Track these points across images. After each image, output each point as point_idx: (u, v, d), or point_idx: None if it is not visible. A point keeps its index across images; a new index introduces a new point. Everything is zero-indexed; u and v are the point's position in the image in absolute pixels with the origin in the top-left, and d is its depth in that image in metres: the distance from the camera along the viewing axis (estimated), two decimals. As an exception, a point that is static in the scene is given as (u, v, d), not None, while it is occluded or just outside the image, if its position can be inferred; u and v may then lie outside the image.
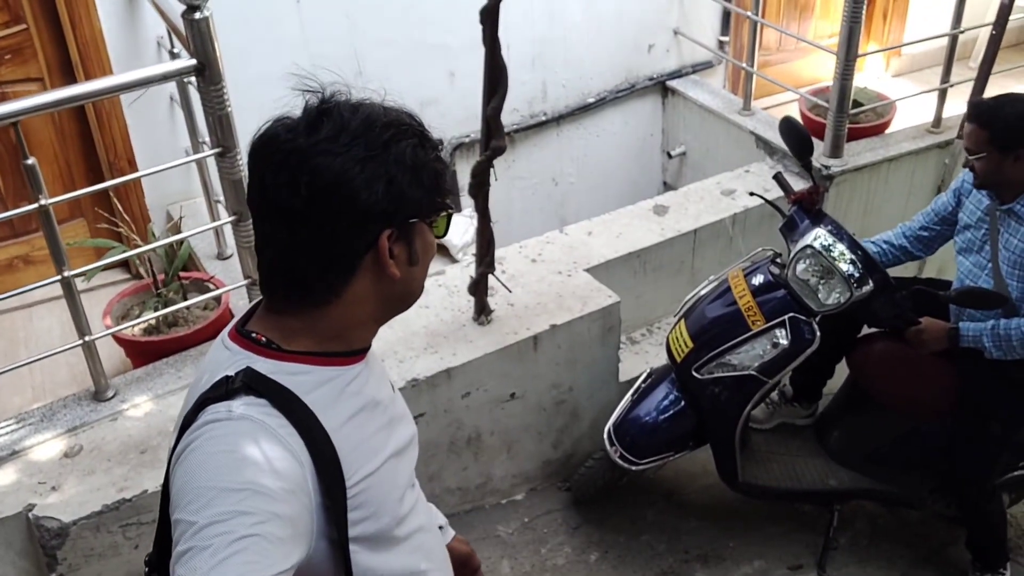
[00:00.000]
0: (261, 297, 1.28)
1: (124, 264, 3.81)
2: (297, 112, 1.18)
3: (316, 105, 1.17)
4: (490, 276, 3.06)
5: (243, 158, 2.74)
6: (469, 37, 4.07)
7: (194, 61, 2.54)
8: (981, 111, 2.70)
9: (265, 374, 1.17)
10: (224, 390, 1.15)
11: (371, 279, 1.20)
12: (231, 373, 1.17)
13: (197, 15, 2.48)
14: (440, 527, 1.59)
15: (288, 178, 1.14)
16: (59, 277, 2.60)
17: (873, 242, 3.13)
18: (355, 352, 1.27)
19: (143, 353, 3.09)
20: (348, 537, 1.19)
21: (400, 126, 1.18)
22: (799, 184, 3.22)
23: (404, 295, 1.26)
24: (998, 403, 2.87)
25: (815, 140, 3.12)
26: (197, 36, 2.50)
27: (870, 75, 5.52)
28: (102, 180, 3.64)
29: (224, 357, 1.22)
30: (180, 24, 2.62)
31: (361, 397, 1.26)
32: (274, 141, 1.16)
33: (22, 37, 3.38)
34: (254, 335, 1.23)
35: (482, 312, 3.11)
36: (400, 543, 1.31)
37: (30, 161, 2.42)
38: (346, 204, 1.13)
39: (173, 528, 1.07)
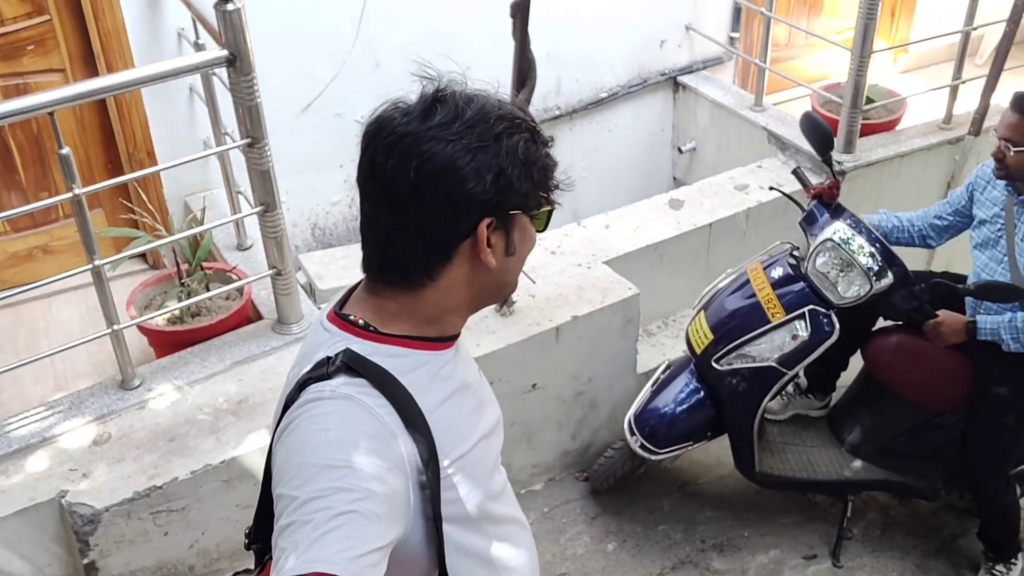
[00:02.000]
0: (358, 281, 1.30)
1: (142, 254, 3.83)
2: (413, 97, 1.19)
3: (432, 92, 1.18)
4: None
5: (270, 149, 2.77)
6: (483, 29, 4.14)
7: (226, 52, 2.56)
8: None
9: (364, 355, 1.20)
10: (325, 370, 1.18)
11: (467, 266, 1.22)
12: (331, 354, 1.20)
13: (229, 6, 2.50)
14: None
15: (398, 160, 1.15)
16: (90, 266, 2.62)
17: (897, 216, 3.16)
18: (448, 338, 1.29)
19: (167, 343, 3.11)
20: (442, 516, 1.21)
21: (514, 120, 1.19)
22: (815, 179, 3.27)
23: (498, 285, 1.27)
24: (1014, 395, 2.90)
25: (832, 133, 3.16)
26: (229, 28, 2.52)
27: (878, 71, 5.55)
28: (121, 171, 3.66)
29: (324, 339, 1.25)
30: (208, 15, 2.65)
31: (453, 381, 1.28)
32: (389, 124, 1.17)
33: (45, 28, 3.39)
34: (352, 317, 1.25)
35: (504, 303, 3.14)
36: (493, 528, 1.34)
37: (65, 151, 2.44)
38: (452, 191, 1.15)
39: (276, 503, 1.10)
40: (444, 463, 1.22)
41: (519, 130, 1.19)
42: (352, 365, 1.18)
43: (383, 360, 1.20)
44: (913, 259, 3.80)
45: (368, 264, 1.26)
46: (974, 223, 2.98)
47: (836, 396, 3.47)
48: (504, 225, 1.21)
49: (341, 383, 1.17)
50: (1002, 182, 2.85)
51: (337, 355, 1.19)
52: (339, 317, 1.27)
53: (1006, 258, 2.84)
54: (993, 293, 2.76)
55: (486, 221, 1.18)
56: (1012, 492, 3.12)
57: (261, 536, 1.32)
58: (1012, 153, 2.70)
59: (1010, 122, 2.72)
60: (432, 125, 1.15)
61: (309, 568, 0.99)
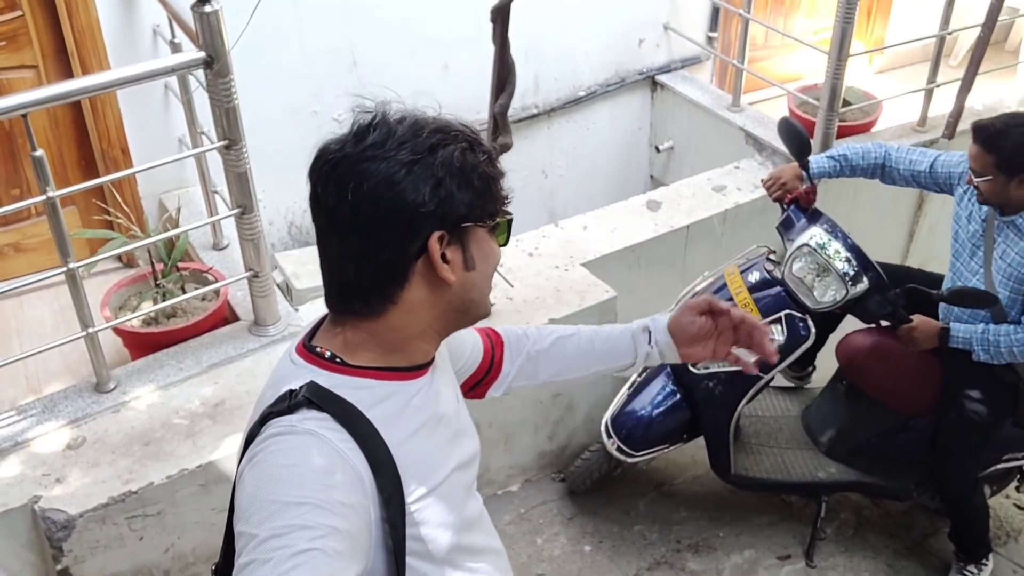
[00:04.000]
0: (325, 313, 1.30)
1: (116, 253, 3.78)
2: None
3: (365, 120, 1.19)
4: (490, 270, 3.09)
5: (248, 150, 2.75)
6: (463, 31, 4.13)
7: (203, 54, 2.54)
8: (988, 135, 2.70)
9: (328, 388, 1.19)
10: (287, 404, 1.17)
11: (426, 285, 1.21)
12: (295, 387, 1.19)
13: (207, 8, 2.47)
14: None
15: (336, 187, 1.16)
16: (64, 269, 2.59)
17: (876, 153, 3.15)
18: (418, 367, 1.28)
19: (142, 345, 3.08)
20: (406, 552, 1.20)
21: (448, 131, 1.19)
22: None
23: (464, 303, 1.26)
24: (982, 399, 2.94)
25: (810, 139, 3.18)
26: (207, 29, 2.50)
27: (853, 72, 5.58)
28: (95, 168, 3.62)
29: (289, 371, 1.24)
30: (184, 15, 2.62)
31: (424, 412, 1.27)
32: (325, 153, 1.19)
33: (18, 24, 3.34)
34: (319, 349, 1.24)
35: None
36: (466, 561, 1.33)
37: (39, 153, 2.41)
38: (392, 207, 1.15)
39: (236, 539, 1.09)
40: (411, 498, 1.20)
41: (454, 140, 1.19)
42: (314, 399, 1.17)
43: (349, 393, 1.19)
44: (889, 256, 3.84)
45: (329, 296, 1.26)
46: (954, 228, 2.99)
47: (810, 398, 3.50)
48: (458, 239, 1.20)
49: (303, 418, 1.15)
50: None
51: (301, 388, 1.18)
52: (306, 349, 1.26)
53: (981, 270, 2.86)
54: (967, 299, 2.79)
55: (436, 235, 1.17)
56: (980, 494, 3.16)
57: (227, 572, 1.31)
58: (978, 181, 2.73)
59: (972, 153, 2.74)
60: (366, 146, 1.16)
61: None
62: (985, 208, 2.85)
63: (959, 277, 2.94)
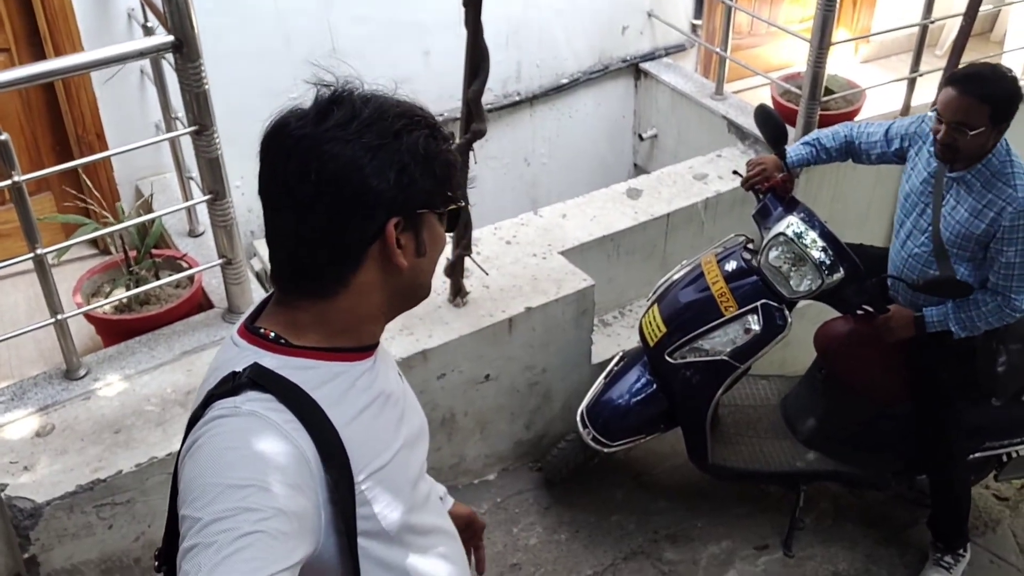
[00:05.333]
0: (271, 292, 1.28)
1: (91, 239, 3.75)
2: (308, 103, 1.18)
3: (327, 95, 1.17)
4: (466, 258, 3.07)
5: (219, 136, 2.72)
6: (444, 16, 4.10)
7: (171, 38, 2.50)
8: (981, 85, 2.61)
9: (272, 369, 1.17)
10: (230, 386, 1.15)
11: (378, 269, 1.20)
12: (238, 369, 1.17)
13: (176, -9, 2.44)
14: (440, 497, 1.60)
15: (298, 166, 1.14)
16: (31, 255, 2.56)
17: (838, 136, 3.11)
18: (364, 348, 1.27)
19: (114, 331, 3.06)
20: (356, 531, 1.19)
21: (412, 117, 1.18)
22: None
23: (412, 288, 1.26)
24: (953, 377, 2.94)
25: (788, 128, 3.15)
26: (175, 13, 2.46)
27: (839, 61, 5.56)
28: (70, 153, 3.58)
29: (233, 354, 1.22)
30: (156, -1, 2.59)
31: (371, 391, 1.26)
32: (284, 129, 1.16)
33: (-12, 6, 3.30)
34: (262, 331, 1.23)
35: (458, 294, 3.12)
36: (416, 540, 1.32)
37: (3, 136, 2.38)
38: (356, 191, 1.14)
39: (180, 523, 1.07)
40: (359, 477, 1.19)
41: (419, 126, 1.18)
42: (258, 381, 1.15)
43: (293, 373, 1.18)
44: (872, 240, 3.82)
45: (278, 274, 1.24)
46: (903, 187, 2.94)
47: (788, 386, 3.49)
48: (412, 225, 1.20)
49: (246, 399, 1.14)
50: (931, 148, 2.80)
51: (244, 370, 1.17)
52: (249, 331, 1.24)
53: (930, 228, 2.83)
54: (942, 289, 2.78)
55: (393, 221, 1.17)
56: (965, 471, 3.15)
57: (170, 556, 1.30)
58: (969, 136, 2.62)
59: (959, 105, 2.62)
60: (329, 126, 1.14)
61: None
62: (933, 164, 2.80)
63: (908, 236, 2.90)
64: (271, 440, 1.11)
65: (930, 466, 3.15)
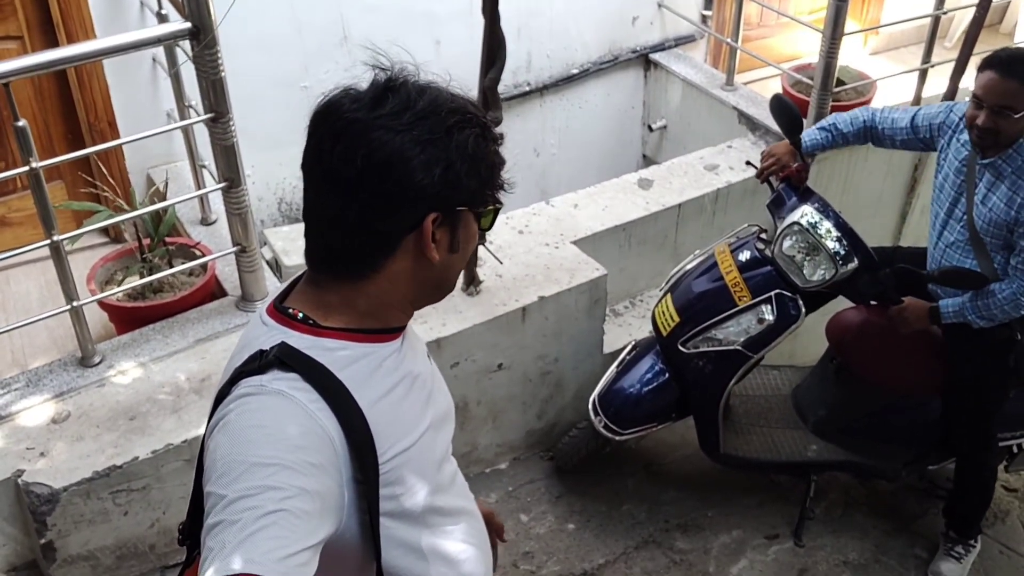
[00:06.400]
0: (301, 273, 1.28)
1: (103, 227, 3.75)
2: (364, 85, 1.17)
3: (383, 80, 1.17)
4: (480, 247, 3.07)
5: (235, 124, 2.72)
6: (455, 4, 4.09)
7: (188, 24, 2.50)
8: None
9: (300, 349, 1.18)
10: (257, 364, 1.16)
11: (411, 260, 1.20)
12: (266, 348, 1.18)
13: (193, -22, 2.44)
14: None
15: (345, 147, 1.14)
16: (48, 241, 2.56)
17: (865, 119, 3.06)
18: (392, 330, 1.27)
19: (128, 319, 3.06)
20: (379, 512, 1.20)
21: (465, 114, 1.18)
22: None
23: (440, 281, 1.27)
24: (984, 366, 2.92)
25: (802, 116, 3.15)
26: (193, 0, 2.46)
27: (847, 53, 5.55)
28: (82, 141, 3.58)
29: (261, 332, 1.23)
30: (172, -15, 2.59)
31: (398, 373, 1.26)
32: (337, 110, 1.16)
33: (2, -6, 3.30)
34: (291, 310, 1.23)
35: (471, 283, 3.12)
36: (440, 521, 1.33)
37: (21, 123, 2.38)
38: (399, 182, 1.14)
39: (205, 500, 1.08)
40: (384, 458, 1.20)
41: (470, 125, 1.17)
42: (285, 360, 1.16)
43: (320, 354, 1.18)
44: (881, 237, 3.83)
45: (311, 253, 1.24)
46: (937, 176, 2.91)
47: (800, 376, 3.49)
48: (450, 221, 1.20)
49: (273, 378, 1.14)
50: (965, 137, 2.76)
51: (272, 348, 1.17)
52: (278, 311, 1.24)
53: (965, 216, 2.80)
54: (958, 280, 2.77)
55: (432, 215, 1.17)
56: (996, 463, 3.16)
57: (194, 532, 1.30)
58: (1014, 119, 2.56)
59: (1005, 88, 2.55)
60: (383, 114, 1.13)
61: (234, 569, 0.98)
62: (964, 153, 2.77)
63: (945, 227, 2.86)
64: (296, 419, 1.12)
65: (962, 452, 3.13)
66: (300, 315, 1.22)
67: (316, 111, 1.18)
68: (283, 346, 1.18)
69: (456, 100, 1.19)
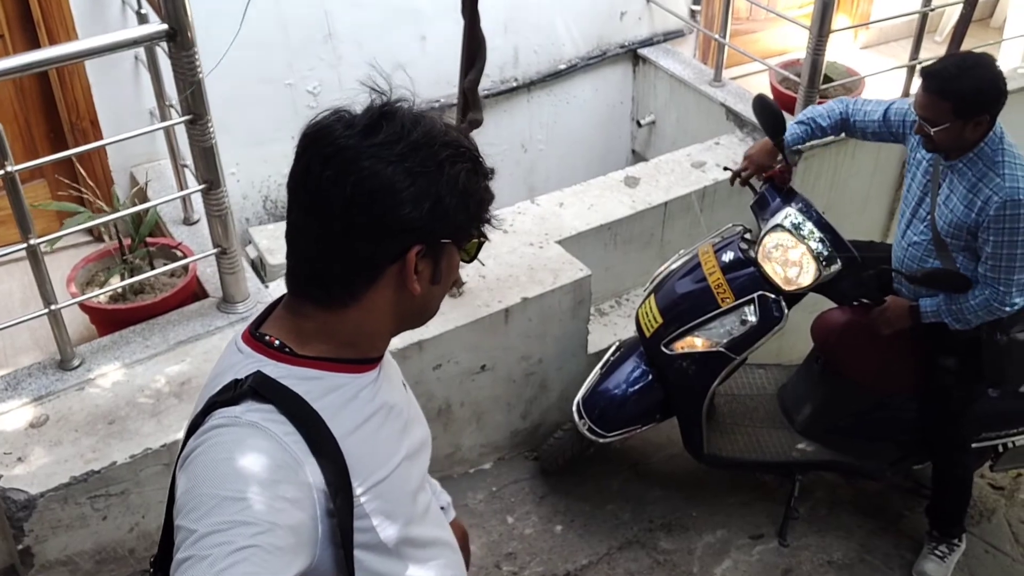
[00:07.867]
0: (278, 297, 1.27)
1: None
2: (358, 108, 1.16)
3: (379, 107, 1.15)
4: (462, 248, 3.05)
5: (213, 125, 2.70)
6: (441, 1, 4.06)
7: (165, 26, 2.48)
8: (942, 83, 2.58)
9: (275, 378, 1.16)
10: (232, 394, 1.14)
11: (392, 290, 1.19)
12: (241, 376, 1.16)
13: (169, -21, 2.41)
14: (442, 508, 1.59)
15: (335, 173, 1.12)
16: (24, 245, 2.54)
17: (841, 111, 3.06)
18: (369, 360, 1.26)
19: (109, 321, 3.04)
20: (353, 545, 1.18)
21: (458, 148, 1.16)
22: None
23: (420, 312, 1.26)
24: (960, 366, 2.93)
25: (785, 114, 3.13)
26: (170, 1, 2.44)
27: (838, 46, 5.52)
28: (63, 140, 3.55)
29: (236, 360, 1.21)
30: (149, -15, 2.56)
31: (374, 404, 1.25)
32: (329, 135, 1.14)
33: (-19, -8, 3.27)
34: (267, 338, 1.22)
35: (454, 284, 3.10)
36: (414, 552, 1.31)
37: (-4, 126, 2.36)
38: (387, 213, 1.12)
39: (175, 533, 1.06)
40: (359, 490, 1.18)
41: (462, 159, 1.16)
42: (260, 390, 1.14)
43: (295, 383, 1.17)
44: (868, 235, 3.80)
45: (292, 277, 1.22)
46: (907, 180, 2.93)
47: (786, 376, 3.48)
48: (433, 253, 1.18)
49: (247, 409, 1.13)
50: None
51: (247, 378, 1.15)
52: (254, 337, 1.23)
53: (929, 217, 2.81)
54: (941, 281, 2.77)
55: (416, 248, 1.15)
56: (970, 457, 3.16)
57: (165, 565, 1.29)
58: (933, 132, 2.62)
59: (922, 102, 2.62)
60: (375, 143, 1.12)
61: None
62: (931, 154, 2.78)
63: (910, 226, 2.88)
64: (270, 452, 1.10)
65: (936, 452, 3.14)
66: (276, 342, 1.21)
67: (306, 133, 1.16)
68: (258, 375, 1.16)
69: (449, 133, 1.17)
